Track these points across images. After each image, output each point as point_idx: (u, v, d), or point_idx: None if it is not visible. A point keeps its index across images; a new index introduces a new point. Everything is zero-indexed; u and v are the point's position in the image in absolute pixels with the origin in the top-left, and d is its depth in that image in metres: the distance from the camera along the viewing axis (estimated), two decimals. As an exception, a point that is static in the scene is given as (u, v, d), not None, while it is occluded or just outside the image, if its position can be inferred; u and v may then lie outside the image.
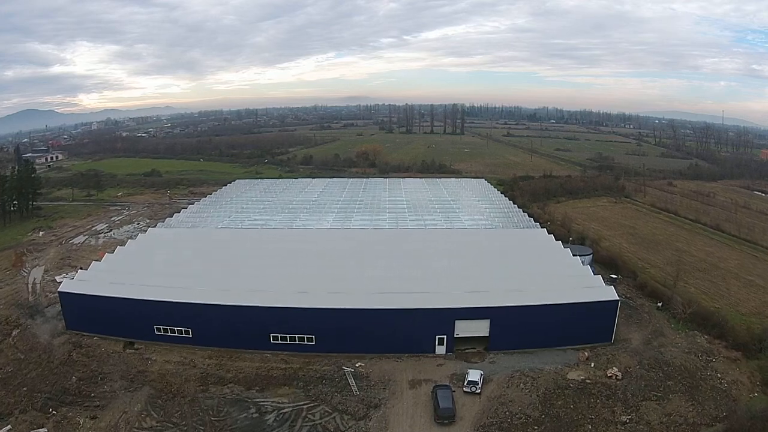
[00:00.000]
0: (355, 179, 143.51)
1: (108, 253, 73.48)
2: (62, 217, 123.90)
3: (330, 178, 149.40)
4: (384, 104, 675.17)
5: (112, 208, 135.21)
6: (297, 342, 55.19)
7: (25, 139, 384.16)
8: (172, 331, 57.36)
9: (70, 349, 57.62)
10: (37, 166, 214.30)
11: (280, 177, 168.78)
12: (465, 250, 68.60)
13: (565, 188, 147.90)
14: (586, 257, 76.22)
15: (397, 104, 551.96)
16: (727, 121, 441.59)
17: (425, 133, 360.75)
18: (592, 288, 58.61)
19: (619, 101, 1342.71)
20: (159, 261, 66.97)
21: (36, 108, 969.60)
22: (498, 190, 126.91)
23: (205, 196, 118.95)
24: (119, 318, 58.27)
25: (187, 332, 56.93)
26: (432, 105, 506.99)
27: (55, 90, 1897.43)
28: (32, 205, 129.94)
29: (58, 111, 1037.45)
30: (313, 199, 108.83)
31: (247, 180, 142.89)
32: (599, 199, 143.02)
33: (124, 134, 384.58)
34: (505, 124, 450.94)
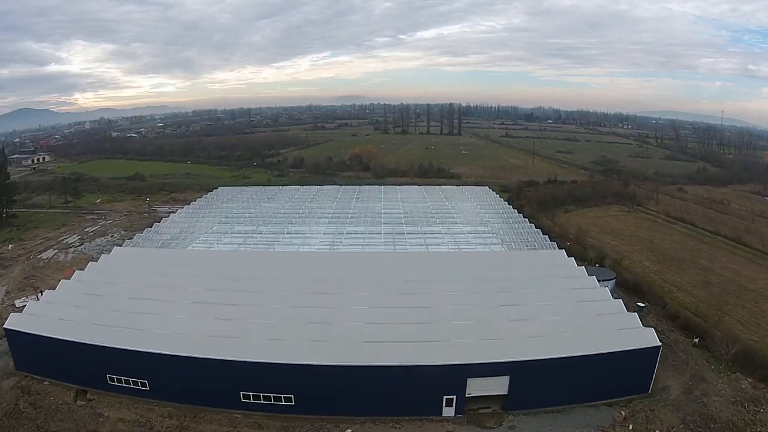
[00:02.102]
0: (348, 186, 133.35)
1: (64, 279, 64.40)
2: (36, 227, 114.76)
3: (320, 184, 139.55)
4: (379, 104, 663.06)
5: (88, 216, 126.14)
6: (273, 402, 45.53)
7: (17, 139, 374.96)
8: (127, 382, 48.19)
9: (18, 396, 49.75)
10: (22, 168, 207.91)
11: (268, 181, 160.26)
12: (476, 282, 57.76)
13: (573, 195, 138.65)
14: (610, 282, 67.74)
15: (392, 104, 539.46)
16: (724, 122, 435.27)
17: (421, 133, 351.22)
18: (627, 330, 49.02)
19: (615, 101, 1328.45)
20: (118, 291, 57.26)
21: (31, 107, 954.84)
22: (503, 198, 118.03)
23: (183, 207, 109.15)
24: (69, 363, 49.59)
25: (143, 384, 47.73)
26: (428, 105, 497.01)
27: (51, 89, 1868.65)
28: (6, 213, 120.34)
29: (54, 110, 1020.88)
30: (301, 211, 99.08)
31: (230, 188, 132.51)
32: (610, 208, 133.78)
33: (114, 134, 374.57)
34: (502, 124, 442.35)
